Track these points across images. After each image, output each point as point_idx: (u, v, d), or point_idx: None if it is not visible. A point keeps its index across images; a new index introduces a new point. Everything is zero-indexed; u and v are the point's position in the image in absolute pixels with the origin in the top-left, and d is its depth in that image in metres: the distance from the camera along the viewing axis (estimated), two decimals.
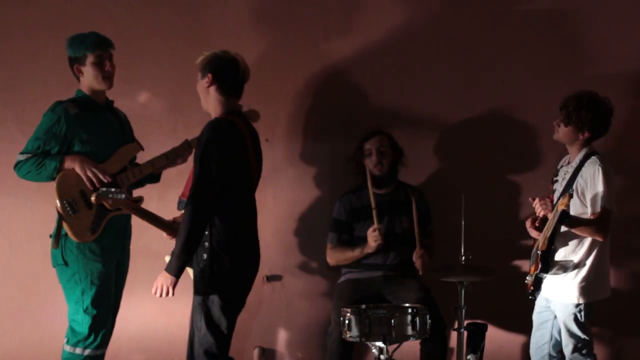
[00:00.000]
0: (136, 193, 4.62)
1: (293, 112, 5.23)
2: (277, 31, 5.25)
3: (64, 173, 4.29)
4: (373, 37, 5.30)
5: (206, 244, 4.04)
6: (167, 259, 4.06)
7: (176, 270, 3.99)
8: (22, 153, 4.36)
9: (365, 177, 5.11)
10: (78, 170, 4.29)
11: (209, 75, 4.13)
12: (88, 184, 4.29)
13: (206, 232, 4.03)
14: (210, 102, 4.18)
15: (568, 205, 4.12)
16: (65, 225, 4.27)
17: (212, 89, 4.15)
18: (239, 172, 4.11)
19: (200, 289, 4.07)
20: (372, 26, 5.30)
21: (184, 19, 5.26)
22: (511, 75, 5.31)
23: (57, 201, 4.26)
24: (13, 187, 5.06)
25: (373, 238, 4.92)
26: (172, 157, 4.59)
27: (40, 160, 4.30)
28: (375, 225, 4.91)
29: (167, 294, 4.02)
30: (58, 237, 4.31)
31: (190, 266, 4.11)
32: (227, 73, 4.15)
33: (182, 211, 4.16)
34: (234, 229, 4.08)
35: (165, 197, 5.02)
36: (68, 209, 4.26)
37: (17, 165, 4.37)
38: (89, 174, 4.29)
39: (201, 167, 3.98)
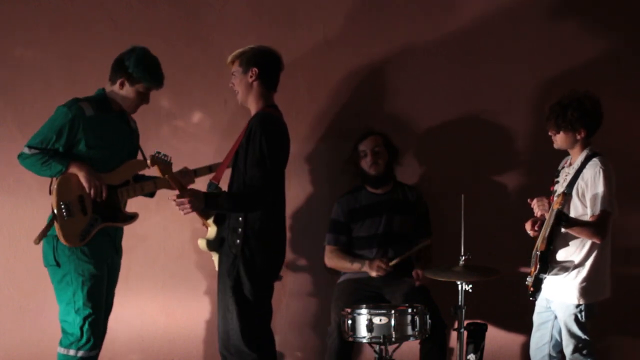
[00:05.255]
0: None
1: (292, 112, 5.22)
2: (277, 31, 5.25)
3: (66, 176, 4.28)
4: (373, 37, 5.30)
5: (240, 230, 4.23)
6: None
7: (209, 205, 4.21)
8: (29, 146, 4.32)
9: (362, 179, 5.12)
10: (83, 179, 4.28)
11: (255, 69, 4.31)
12: (89, 192, 4.28)
13: (240, 219, 4.24)
14: (251, 96, 4.36)
15: (562, 205, 4.12)
16: (56, 226, 4.27)
17: (256, 83, 4.33)
18: (283, 164, 4.34)
19: (232, 272, 4.23)
20: (372, 27, 5.30)
21: (184, 19, 5.26)
22: (511, 75, 5.31)
23: (55, 201, 4.26)
24: (13, 187, 5.07)
25: (376, 269, 4.93)
26: (176, 183, 4.54)
27: (46, 158, 4.28)
28: (386, 265, 4.92)
29: (184, 211, 4.21)
30: (44, 234, 4.31)
31: (216, 252, 4.30)
32: (271, 67, 4.36)
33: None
34: (268, 217, 4.27)
35: (165, 196, 5.02)
36: (64, 211, 4.26)
37: (21, 157, 4.34)
38: (94, 185, 4.28)
39: (261, 159, 4.18)
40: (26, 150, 4.33)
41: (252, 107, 4.37)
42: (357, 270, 5.01)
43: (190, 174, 4.60)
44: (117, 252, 4.57)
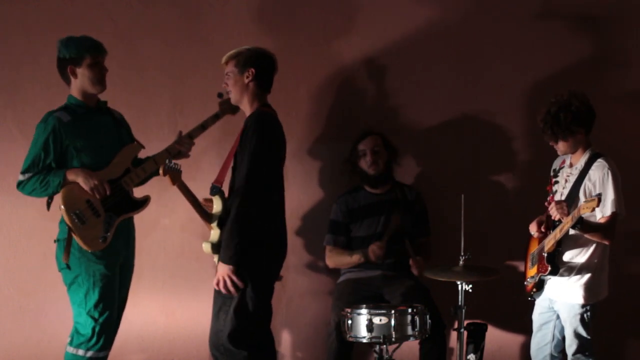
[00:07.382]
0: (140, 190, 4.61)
1: (293, 112, 5.23)
2: (277, 31, 5.26)
3: (68, 186, 4.29)
4: (373, 37, 5.30)
5: None
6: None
7: (228, 259, 4.14)
8: (22, 172, 4.35)
9: (360, 179, 5.12)
10: (82, 183, 4.29)
11: (252, 70, 4.31)
12: (92, 193, 4.29)
13: None
14: (246, 96, 4.35)
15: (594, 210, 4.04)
16: (75, 237, 4.28)
17: (252, 84, 4.33)
18: (280, 164, 4.31)
19: None
20: (372, 27, 5.30)
21: (184, 19, 5.26)
22: (511, 75, 5.31)
23: (65, 214, 4.26)
24: (13, 187, 5.02)
25: (375, 253, 4.94)
26: (174, 152, 4.58)
27: (42, 177, 4.30)
28: (379, 243, 4.93)
29: (230, 285, 4.16)
30: (68, 250, 4.30)
31: (217, 253, 4.27)
32: (268, 69, 4.36)
33: (214, 196, 4.30)
34: (269, 217, 4.24)
35: (164, 195, 5.02)
36: (77, 220, 4.27)
37: (20, 185, 4.37)
38: (94, 185, 4.29)
39: (254, 159, 4.14)
40: (21, 177, 4.35)
41: (247, 107, 4.37)
42: (357, 261, 5.01)
43: (187, 139, 4.60)
44: (129, 251, 4.56)
